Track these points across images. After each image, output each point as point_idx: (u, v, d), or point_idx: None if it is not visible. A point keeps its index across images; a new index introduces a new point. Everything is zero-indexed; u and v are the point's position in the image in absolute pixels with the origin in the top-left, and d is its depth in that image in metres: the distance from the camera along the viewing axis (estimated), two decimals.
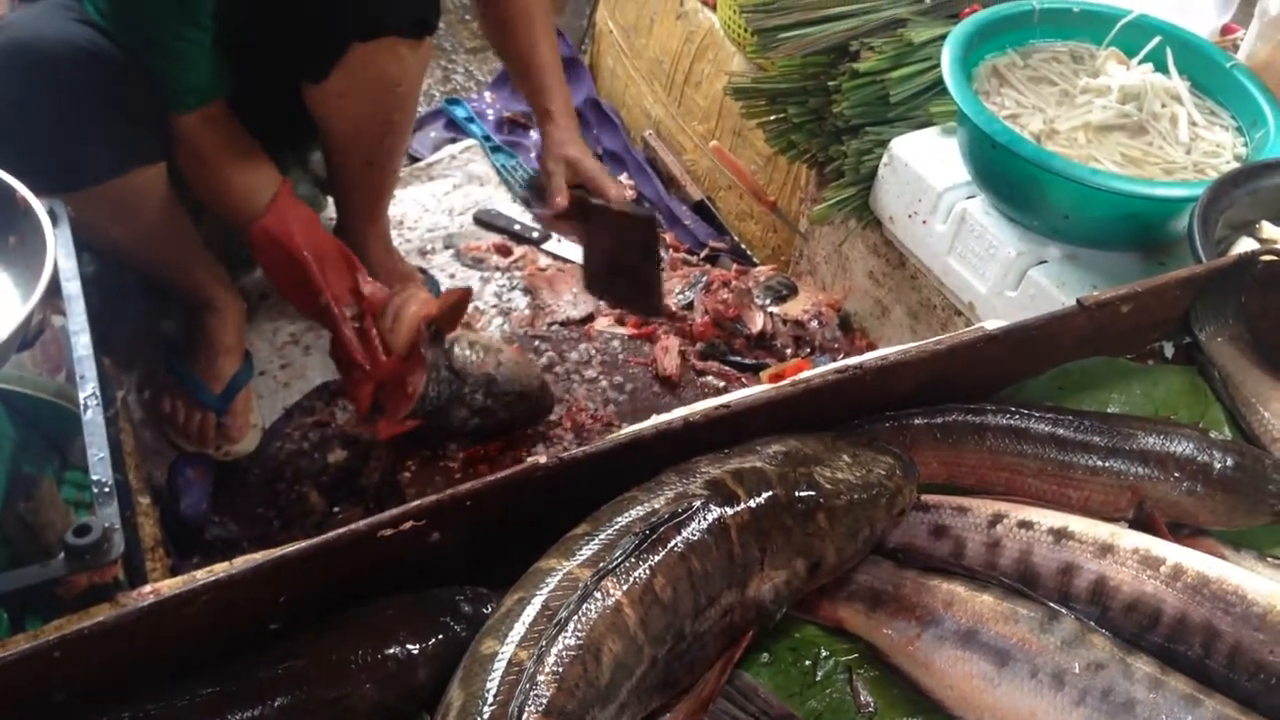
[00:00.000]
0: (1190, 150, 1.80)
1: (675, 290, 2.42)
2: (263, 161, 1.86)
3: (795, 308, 2.37)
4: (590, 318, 2.38)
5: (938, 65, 2.00)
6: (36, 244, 1.22)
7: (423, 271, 2.43)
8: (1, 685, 0.83)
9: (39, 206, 1.23)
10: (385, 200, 2.26)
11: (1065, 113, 1.84)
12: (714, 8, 2.66)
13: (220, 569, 1.17)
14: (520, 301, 2.44)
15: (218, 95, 1.75)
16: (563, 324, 2.36)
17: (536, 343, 2.28)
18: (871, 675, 1.02)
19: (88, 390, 1.30)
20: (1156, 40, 1.92)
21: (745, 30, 2.39)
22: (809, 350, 2.30)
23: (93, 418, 1.27)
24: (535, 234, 2.65)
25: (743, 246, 2.75)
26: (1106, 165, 1.75)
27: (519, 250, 2.60)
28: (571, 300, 2.42)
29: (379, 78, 1.87)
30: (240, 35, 1.72)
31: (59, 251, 1.29)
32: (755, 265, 2.63)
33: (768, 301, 2.38)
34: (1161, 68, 1.91)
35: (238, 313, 2.13)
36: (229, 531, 1.98)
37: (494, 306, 2.43)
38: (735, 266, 2.58)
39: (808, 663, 1.03)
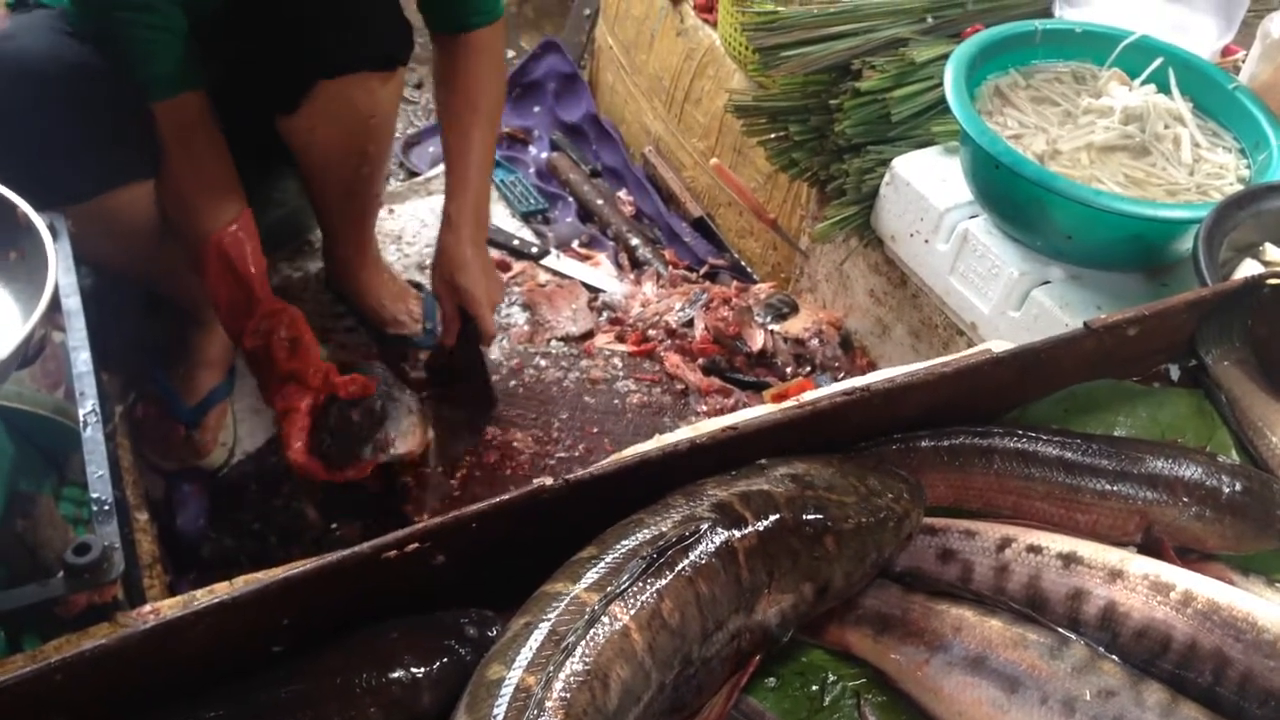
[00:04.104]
0: (1193, 172, 1.80)
1: (675, 307, 2.41)
2: (231, 179, 1.82)
3: (796, 325, 2.36)
4: (590, 334, 2.38)
5: (939, 84, 2.00)
6: (37, 260, 1.21)
7: (418, 287, 2.43)
8: (3, 708, 0.82)
9: (40, 222, 1.22)
10: (369, 225, 2.24)
11: (1068, 133, 1.84)
12: (715, 25, 2.66)
13: (221, 589, 1.17)
14: (519, 317, 2.43)
15: (188, 87, 1.70)
16: (562, 340, 2.35)
17: (536, 359, 2.27)
18: (880, 700, 1.01)
19: (87, 407, 1.29)
20: (1159, 61, 1.92)
21: (746, 48, 2.39)
22: (809, 368, 2.29)
23: (92, 435, 1.25)
24: (534, 249, 2.64)
25: (743, 264, 2.75)
26: (1109, 186, 1.75)
27: (518, 266, 2.60)
28: (571, 316, 2.42)
29: (350, 110, 1.85)
30: (209, 62, 1.72)
31: (59, 267, 1.27)
32: (755, 282, 2.63)
33: (768, 319, 2.37)
34: (1164, 89, 1.91)
35: None
36: (226, 548, 1.96)
37: None
38: (735, 284, 2.58)
39: (815, 688, 1.02)
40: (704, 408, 2.18)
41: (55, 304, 1.37)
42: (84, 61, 1.61)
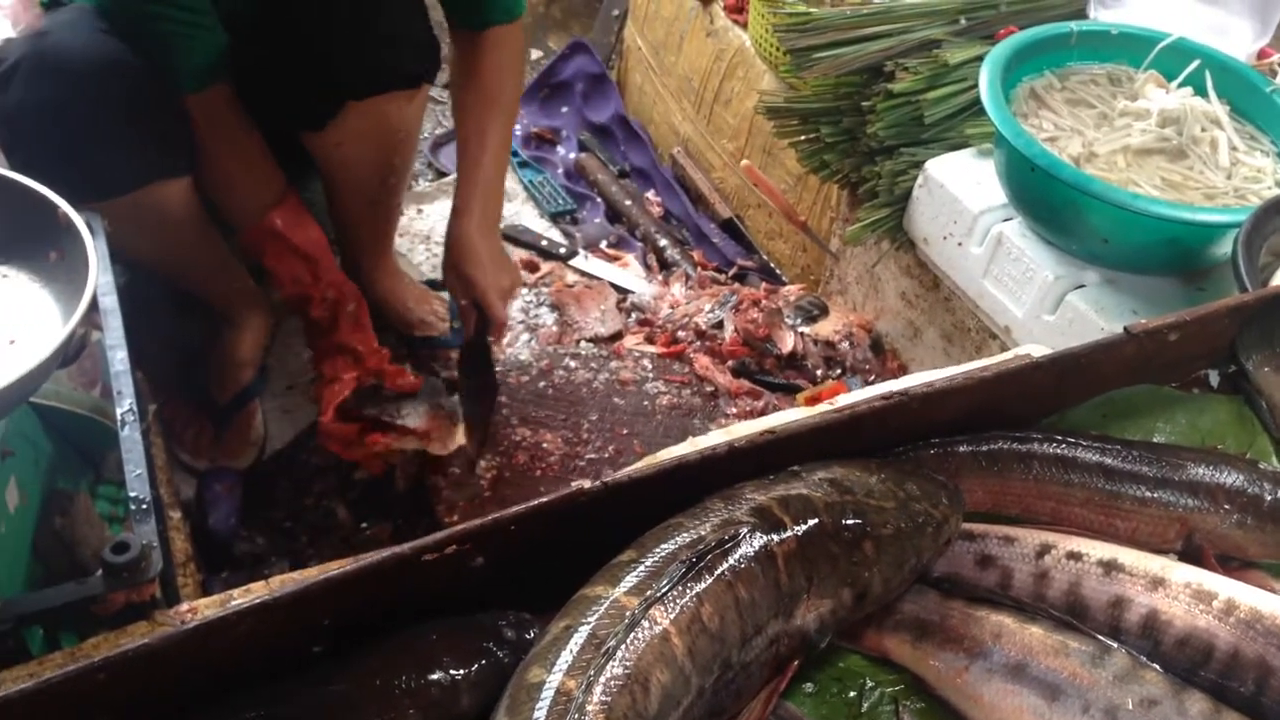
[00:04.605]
0: (1231, 175, 1.78)
1: (704, 309, 2.41)
2: (271, 162, 1.85)
3: (826, 328, 2.35)
4: (619, 335, 2.37)
5: (973, 86, 1.99)
6: (77, 260, 1.21)
7: (441, 286, 2.42)
8: (46, 706, 0.82)
9: (80, 222, 1.23)
10: (390, 232, 2.24)
11: (1104, 136, 1.83)
12: (745, 26, 2.66)
13: (258, 589, 1.17)
14: (548, 318, 2.43)
15: (220, 79, 1.73)
16: (591, 341, 2.35)
17: (566, 360, 2.27)
18: (918, 707, 1.01)
19: (125, 406, 1.29)
20: (1195, 64, 1.91)
21: (778, 49, 2.38)
22: (840, 371, 2.29)
23: (130, 434, 1.26)
24: (563, 250, 2.64)
25: (771, 265, 2.74)
26: (1146, 189, 1.74)
27: (546, 266, 2.60)
28: (599, 317, 2.41)
29: (377, 128, 1.86)
30: (236, 71, 1.74)
31: (98, 266, 1.28)
32: (784, 284, 2.62)
33: (798, 321, 2.37)
34: (1201, 91, 1.90)
35: (259, 330, 2.13)
36: (258, 547, 1.97)
37: (521, 323, 2.42)
38: (764, 285, 2.57)
39: (853, 693, 1.02)
40: (734, 410, 2.18)
41: (93, 303, 1.38)
42: (119, 58, 1.62)
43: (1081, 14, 2.19)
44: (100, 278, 1.39)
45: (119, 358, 1.36)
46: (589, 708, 0.80)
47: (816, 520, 0.98)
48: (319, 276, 1.85)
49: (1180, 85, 1.91)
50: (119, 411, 1.29)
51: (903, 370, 2.29)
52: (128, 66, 1.63)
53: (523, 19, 2.00)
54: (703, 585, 0.89)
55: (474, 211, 1.96)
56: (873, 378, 2.28)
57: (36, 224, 1.24)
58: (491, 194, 2.01)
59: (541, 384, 2.21)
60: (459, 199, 1.98)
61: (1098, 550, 1.06)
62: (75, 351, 1.28)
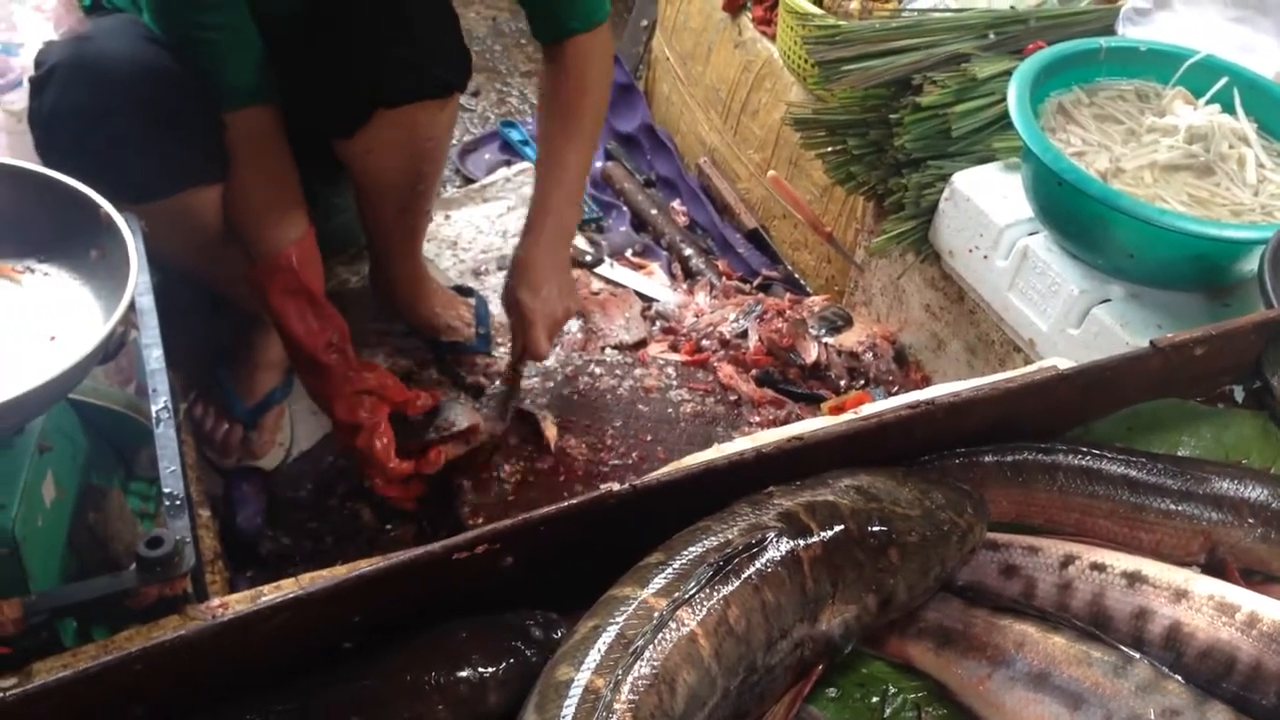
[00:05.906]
0: (1258, 192, 1.78)
1: (729, 318, 2.42)
2: (298, 195, 1.84)
3: (850, 339, 2.36)
4: (643, 343, 2.38)
5: (1001, 100, 2.00)
6: (117, 259, 1.23)
7: (468, 292, 2.44)
8: (82, 696, 0.84)
9: (121, 221, 1.25)
10: (419, 238, 2.25)
11: (1132, 151, 1.83)
12: (773, 38, 2.67)
13: (288, 585, 1.19)
14: (572, 325, 2.44)
15: (261, 100, 1.73)
16: (616, 348, 2.36)
17: (591, 366, 2.28)
18: (940, 714, 1.02)
19: (160, 404, 1.31)
20: (1223, 81, 1.91)
21: (806, 61, 2.40)
22: (863, 382, 2.29)
23: (165, 431, 1.28)
24: (588, 258, 2.65)
25: (796, 276, 2.75)
26: (1173, 205, 1.74)
27: (572, 274, 2.61)
28: (624, 325, 2.43)
29: (407, 136, 1.87)
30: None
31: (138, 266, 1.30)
32: (808, 295, 2.63)
33: (822, 332, 2.38)
34: (1228, 109, 1.90)
35: None
36: (283, 546, 1.99)
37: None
38: (789, 296, 2.58)
39: (875, 699, 1.03)
40: (757, 419, 2.19)
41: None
42: (161, 66, 1.64)
43: (1110, 30, 2.20)
44: (138, 277, 1.42)
45: (154, 356, 1.38)
46: (617, 706, 0.81)
47: (843, 526, 0.99)
48: (324, 317, 1.84)
49: (1208, 102, 1.91)
50: (154, 409, 1.31)
51: (926, 382, 2.29)
52: (168, 74, 1.64)
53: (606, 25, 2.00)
54: (730, 588, 0.91)
55: (541, 236, 2.00)
56: (896, 389, 2.28)
57: (79, 223, 1.27)
58: (562, 218, 2.04)
59: (566, 390, 2.23)
60: (530, 219, 2.02)
61: (1121, 562, 1.06)
62: (115, 349, 1.30)
